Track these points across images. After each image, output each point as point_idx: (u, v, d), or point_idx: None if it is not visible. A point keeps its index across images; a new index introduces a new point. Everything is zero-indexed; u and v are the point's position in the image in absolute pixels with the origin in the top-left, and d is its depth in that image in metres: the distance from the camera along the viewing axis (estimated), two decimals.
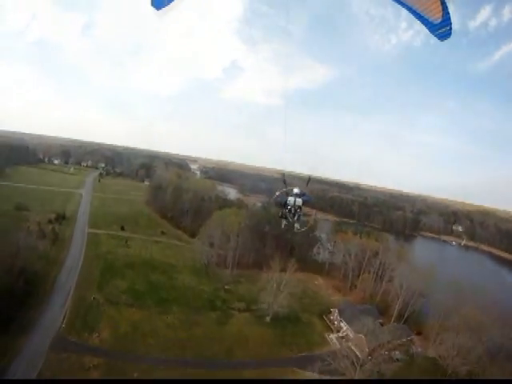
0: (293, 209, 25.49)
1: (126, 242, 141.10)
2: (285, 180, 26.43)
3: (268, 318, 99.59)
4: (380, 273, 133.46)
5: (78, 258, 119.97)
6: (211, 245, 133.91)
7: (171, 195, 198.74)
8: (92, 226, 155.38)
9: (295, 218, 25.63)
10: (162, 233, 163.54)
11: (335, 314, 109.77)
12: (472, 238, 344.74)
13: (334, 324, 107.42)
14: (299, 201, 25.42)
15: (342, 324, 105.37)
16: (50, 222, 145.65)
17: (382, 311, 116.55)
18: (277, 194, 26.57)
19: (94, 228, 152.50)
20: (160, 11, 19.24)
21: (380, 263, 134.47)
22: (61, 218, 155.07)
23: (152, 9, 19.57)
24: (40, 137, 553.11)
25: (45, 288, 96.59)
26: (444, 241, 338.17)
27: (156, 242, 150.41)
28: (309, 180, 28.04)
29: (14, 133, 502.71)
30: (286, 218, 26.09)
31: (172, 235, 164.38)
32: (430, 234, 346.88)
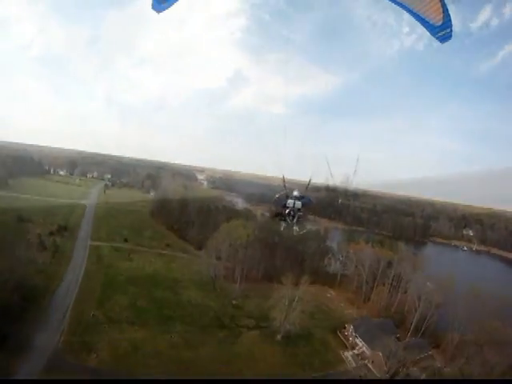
0: (292, 211, 26.80)
1: (129, 254, 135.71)
2: (285, 183, 27.26)
3: (279, 336, 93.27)
4: (395, 284, 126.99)
5: (79, 272, 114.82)
6: (218, 258, 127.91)
7: (177, 206, 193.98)
8: (94, 238, 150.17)
9: (294, 221, 27.06)
10: (167, 245, 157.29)
11: (350, 330, 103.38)
12: (483, 241, 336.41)
13: (348, 340, 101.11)
14: (299, 203, 26.73)
15: (357, 340, 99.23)
16: (51, 233, 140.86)
17: (398, 324, 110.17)
18: (276, 196, 27.97)
19: (97, 240, 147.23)
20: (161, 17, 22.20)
21: (395, 274, 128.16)
22: (62, 229, 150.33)
23: (154, 13, 21.03)
24: (46, 148, 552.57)
25: (42, 304, 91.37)
26: (455, 246, 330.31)
27: (160, 254, 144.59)
28: (309, 183, 28.11)
29: (19, 144, 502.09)
30: (285, 220, 27.59)
31: (177, 247, 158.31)
32: (441, 240, 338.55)
